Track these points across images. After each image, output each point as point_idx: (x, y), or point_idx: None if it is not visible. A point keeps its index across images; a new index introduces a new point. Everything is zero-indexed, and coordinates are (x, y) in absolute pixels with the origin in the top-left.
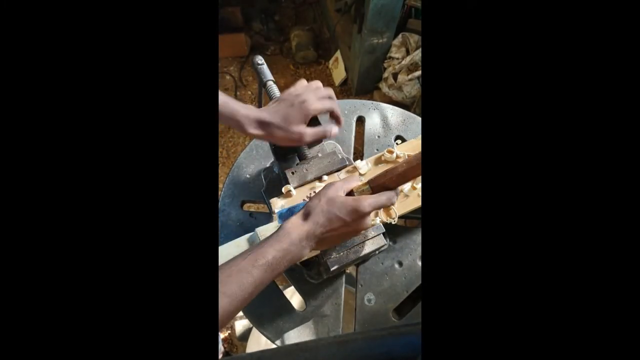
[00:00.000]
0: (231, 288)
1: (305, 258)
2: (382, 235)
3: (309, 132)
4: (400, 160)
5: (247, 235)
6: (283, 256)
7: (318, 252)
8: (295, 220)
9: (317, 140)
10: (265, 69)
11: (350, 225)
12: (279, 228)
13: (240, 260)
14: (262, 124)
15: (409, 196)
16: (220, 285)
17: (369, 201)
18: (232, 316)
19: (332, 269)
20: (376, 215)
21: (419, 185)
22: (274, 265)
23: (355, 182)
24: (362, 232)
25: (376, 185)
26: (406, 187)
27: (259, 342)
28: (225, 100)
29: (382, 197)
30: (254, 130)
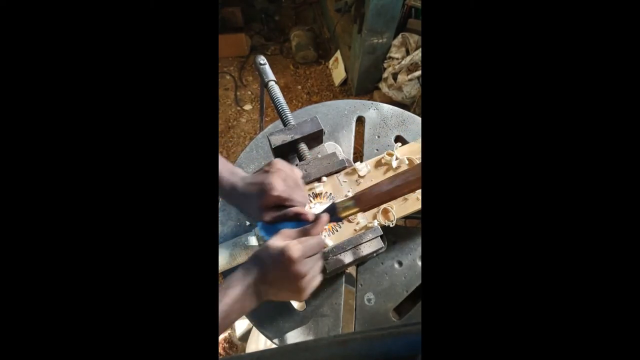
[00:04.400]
0: None
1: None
2: (379, 237)
3: (267, 217)
4: (400, 166)
5: (246, 235)
6: (231, 308)
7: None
8: (238, 273)
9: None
10: (267, 69)
11: (286, 274)
12: (225, 280)
13: None
14: (234, 193)
15: (408, 199)
16: None
17: (297, 246)
18: None
19: (329, 270)
20: (374, 218)
21: None
22: (225, 313)
23: (311, 240)
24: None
25: (361, 202)
26: None
27: (258, 342)
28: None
29: (311, 241)
30: (226, 198)
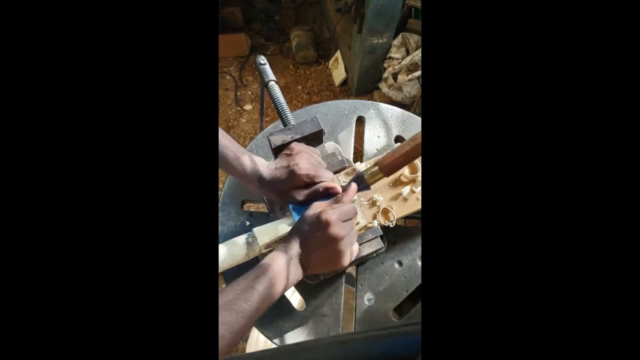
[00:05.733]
0: (239, 305)
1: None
2: (379, 238)
3: (300, 196)
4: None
5: (245, 235)
6: (278, 276)
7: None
8: (280, 246)
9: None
10: (267, 69)
11: (324, 238)
12: (267, 257)
13: (242, 280)
14: (262, 182)
15: (408, 200)
16: (230, 304)
17: (332, 210)
18: (243, 332)
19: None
20: (374, 218)
21: (417, 189)
22: (274, 281)
23: (343, 206)
24: (351, 243)
25: (385, 166)
26: (405, 190)
27: (258, 342)
28: (236, 156)
29: (345, 207)
30: (255, 188)
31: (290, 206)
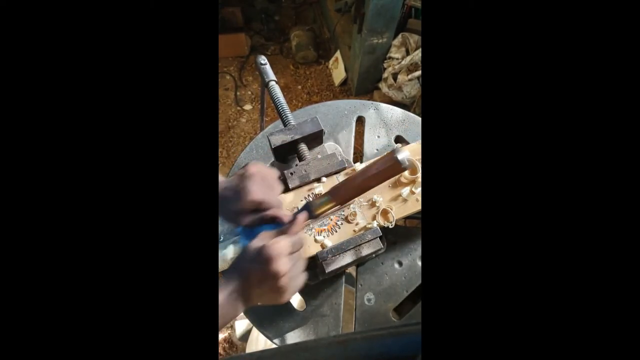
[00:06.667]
0: None
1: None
2: (378, 239)
3: (245, 221)
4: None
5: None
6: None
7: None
8: (221, 281)
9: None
10: (268, 69)
11: (265, 274)
12: None
13: None
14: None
15: (408, 200)
16: None
17: (275, 245)
18: None
19: (327, 271)
20: (373, 219)
21: (417, 190)
22: None
23: (289, 238)
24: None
25: (336, 196)
26: (405, 191)
27: (258, 342)
28: None
29: (290, 239)
30: None
31: (238, 229)
